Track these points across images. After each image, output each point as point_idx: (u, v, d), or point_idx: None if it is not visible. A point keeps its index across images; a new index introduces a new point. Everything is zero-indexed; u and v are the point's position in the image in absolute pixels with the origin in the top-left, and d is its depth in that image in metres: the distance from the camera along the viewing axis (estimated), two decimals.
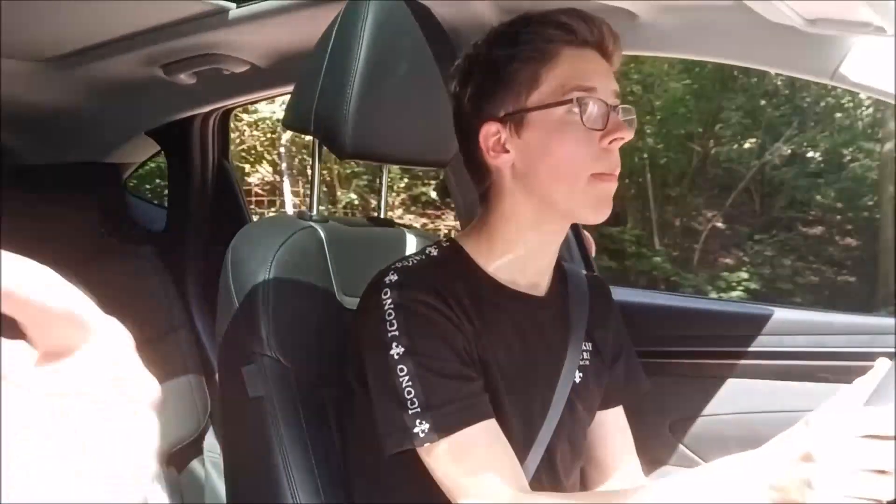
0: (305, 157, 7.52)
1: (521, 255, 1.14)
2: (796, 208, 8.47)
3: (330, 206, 7.49)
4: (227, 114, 2.40)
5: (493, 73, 1.08)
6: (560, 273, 1.25)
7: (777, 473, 0.83)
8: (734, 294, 7.04)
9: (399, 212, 8.03)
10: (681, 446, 1.75)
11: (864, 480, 0.75)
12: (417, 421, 0.99)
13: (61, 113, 2.16)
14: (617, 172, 1.08)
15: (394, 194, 8.06)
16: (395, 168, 6.49)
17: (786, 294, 7.35)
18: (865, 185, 8.13)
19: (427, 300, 1.03)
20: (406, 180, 7.86)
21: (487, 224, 1.15)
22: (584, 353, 1.22)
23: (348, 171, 7.49)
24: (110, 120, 2.23)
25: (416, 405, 0.99)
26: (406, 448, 1.01)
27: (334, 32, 1.31)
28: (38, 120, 2.14)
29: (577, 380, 1.19)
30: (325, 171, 7.63)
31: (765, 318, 1.70)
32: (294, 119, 1.37)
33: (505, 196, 1.12)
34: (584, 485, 1.28)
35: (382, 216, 1.54)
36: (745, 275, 7.37)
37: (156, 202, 3.02)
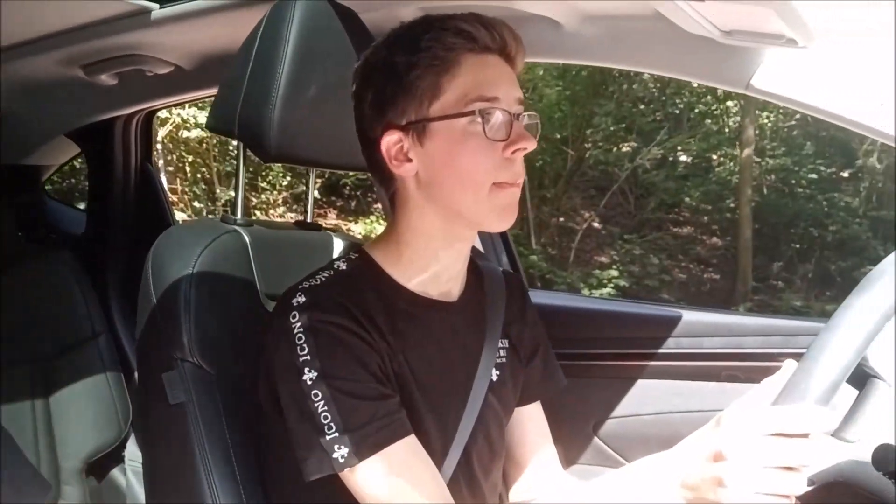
0: (184, 153, 7.43)
1: (430, 264, 1.13)
2: (665, 209, 8.84)
3: (209, 204, 7.42)
4: (150, 115, 2.36)
5: (394, 80, 1.05)
6: (475, 273, 1.25)
7: (689, 473, 0.85)
8: (605, 291, 7.33)
9: (281, 209, 8.02)
10: (604, 447, 1.78)
11: (773, 477, 0.77)
12: (336, 446, 0.97)
13: None
14: (520, 181, 1.08)
15: (276, 192, 8.05)
16: (277, 166, 6.43)
17: (654, 291, 7.67)
18: (729, 187, 8.61)
19: (337, 321, 1.01)
20: (289, 178, 7.85)
21: (396, 232, 1.13)
22: (501, 351, 1.22)
23: (229, 168, 7.42)
24: (29, 121, 2.16)
25: (334, 430, 0.97)
26: (326, 474, 0.99)
27: (259, 35, 1.29)
28: None
29: (494, 378, 1.19)
30: (204, 169, 7.59)
31: (686, 321, 1.75)
32: (218, 121, 1.35)
33: (410, 204, 1.11)
34: (503, 479, 1.28)
35: (309, 220, 1.53)
36: (615, 273, 7.65)
37: (76, 205, 2.94)
